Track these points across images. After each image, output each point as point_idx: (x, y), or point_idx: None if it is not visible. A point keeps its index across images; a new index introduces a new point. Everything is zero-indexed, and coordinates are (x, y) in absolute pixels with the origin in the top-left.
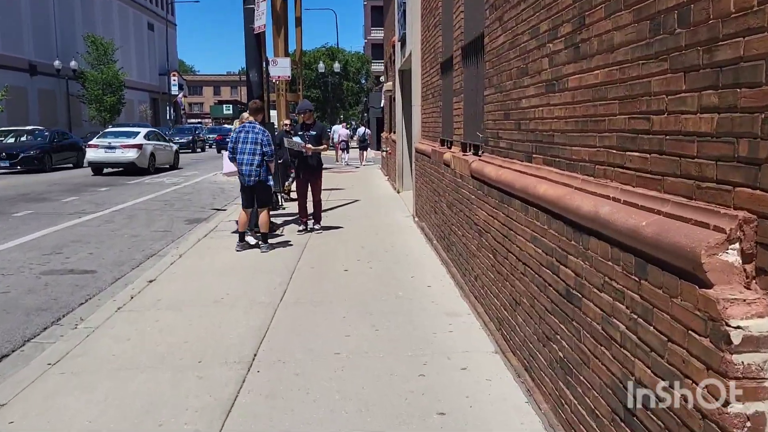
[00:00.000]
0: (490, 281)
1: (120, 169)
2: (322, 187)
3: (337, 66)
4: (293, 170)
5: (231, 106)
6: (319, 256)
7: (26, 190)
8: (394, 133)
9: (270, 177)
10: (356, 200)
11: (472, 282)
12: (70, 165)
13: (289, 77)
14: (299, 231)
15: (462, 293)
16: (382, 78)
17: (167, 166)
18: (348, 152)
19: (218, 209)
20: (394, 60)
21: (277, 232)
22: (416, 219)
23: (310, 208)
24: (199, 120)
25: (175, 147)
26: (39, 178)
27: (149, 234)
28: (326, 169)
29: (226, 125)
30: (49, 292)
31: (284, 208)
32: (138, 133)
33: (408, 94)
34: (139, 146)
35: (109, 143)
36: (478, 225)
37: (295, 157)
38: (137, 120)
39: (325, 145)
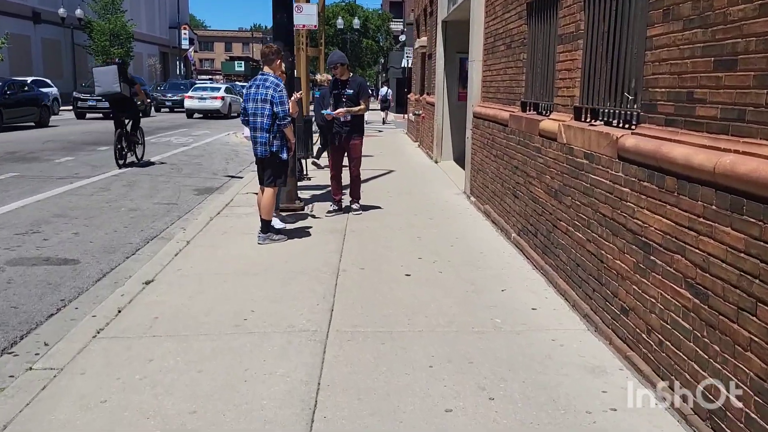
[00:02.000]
0: (677, 330)
1: (200, 116)
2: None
3: (356, 22)
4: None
5: (243, 62)
6: (366, 250)
7: (16, 148)
8: (429, 94)
9: (285, 148)
10: (391, 171)
11: (614, 314)
12: (31, 123)
13: (315, 26)
14: (329, 212)
15: (590, 326)
16: (401, 37)
17: (236, 114)
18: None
19: (233, 176)
20: (431, 12)
21: (305, 211)
22: (472, 199)
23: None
24: (210, 76)
25: None
26: (34, 134)
27: (151, 207)
28: None
29: (237, 82)
30: (11, 294)
31: (309, 179)
32: (220, 88)
33: (453, 49)
34: (222, 98)
35: (201, 95)
36: (643, 236)
37: (328, 122)
38: (145, 74)
39: (364, 106)
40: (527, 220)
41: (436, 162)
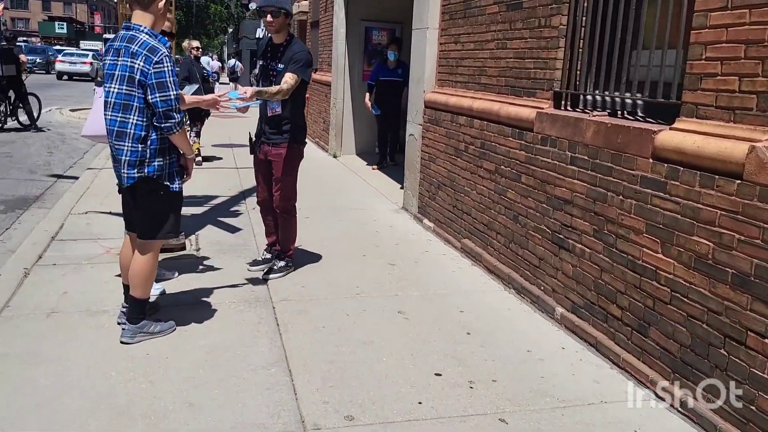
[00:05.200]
0: None
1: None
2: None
3: None
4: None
5: (65, 23)
6: (329, 352)
7: None
8: (317, 71)
9: (176, 170)
10: None
11: None
12: None
13: None
14: (255, 263)
15: None
16: (251, 5)
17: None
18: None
19: (60, 176)
20: None
21: (189, 250)
22: (426, 222)
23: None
24: (25, 39)
25: None
26: None
27: None
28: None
29: (59, 46)
30: None
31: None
32: (88, 54)
33: (356, 16)
34: (91, 63)
35: (72, 60)
36: None
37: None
38: None
39: (285, 86)
40: (607, 297)
41: (336, 156)
